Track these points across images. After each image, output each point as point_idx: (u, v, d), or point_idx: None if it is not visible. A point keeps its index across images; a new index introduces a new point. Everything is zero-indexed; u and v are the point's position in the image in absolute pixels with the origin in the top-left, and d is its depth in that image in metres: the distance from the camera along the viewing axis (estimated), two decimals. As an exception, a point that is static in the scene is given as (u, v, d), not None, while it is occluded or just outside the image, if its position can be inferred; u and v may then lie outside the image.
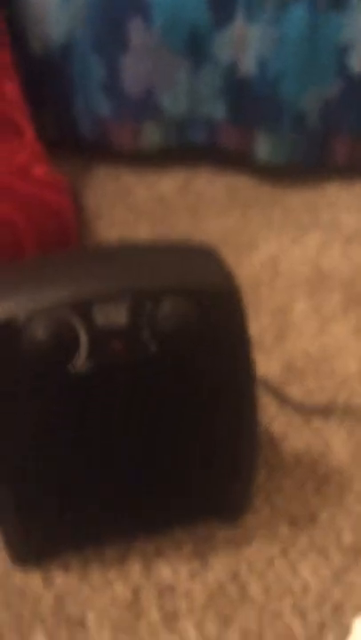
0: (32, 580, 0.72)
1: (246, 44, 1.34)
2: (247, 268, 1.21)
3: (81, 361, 0.63)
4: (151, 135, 1.49)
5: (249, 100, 1.40)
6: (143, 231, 1.30)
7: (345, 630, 0.69)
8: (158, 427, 0.69)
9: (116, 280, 0.64)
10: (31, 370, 0.62)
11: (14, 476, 0.68)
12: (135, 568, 0.74)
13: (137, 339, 0.63)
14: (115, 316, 0.63)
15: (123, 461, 0.70)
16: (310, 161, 1.42)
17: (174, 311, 0.63)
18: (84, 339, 0.63)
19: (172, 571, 0.74)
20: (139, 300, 0.63)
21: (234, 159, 1.48)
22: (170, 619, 0.69)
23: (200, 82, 1.41)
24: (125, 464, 0.70)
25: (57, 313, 0.62)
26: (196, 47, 1.36)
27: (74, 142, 1.54)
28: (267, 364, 1.01)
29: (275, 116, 1.39)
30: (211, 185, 1.46)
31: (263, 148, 1.43)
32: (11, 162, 1.14)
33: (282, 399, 0.94)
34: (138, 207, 1.40)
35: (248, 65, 1.35)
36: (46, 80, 1.44)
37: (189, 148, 1.51)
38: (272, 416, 0.92)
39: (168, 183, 1.48)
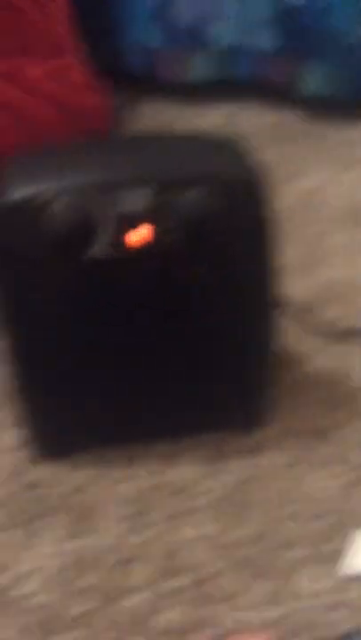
0: (43, 476, 0.75)
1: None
2: (283, 200, 1.20)
3: (103, 245, 0.63)
4: (199, 66, 1.48)
5: (298, 30, 1.37)
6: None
7: (346, 538, 0.70)
8: (178, 324, 0.70)
9: (142, 167, 0.65)
10: (52, 251, 0.63)
11: (36, 371, 0.71)
12: (144, 469, 0.76)
13: (163, 226, 0.64)
14: (140, 202, 0.63)
15: (140, 360, 0.71)
16: (358, 95, 1.39)
17: (200, 200, 0.63)
18: (106, 223, 0.63)
19: (182, 474, 0.75)
20: (165, 188, 0.63)
21: (280, 93, 1.46)
22: (172, 518, 0.71)
23: (249, 11, 1.38)
24: (142, 363, 0.72)
25: (80, 195, 0.62)
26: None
27: (120, 75, 1.53)
28: (295, 291, 1.01)
29: (323, 47, 1.36)
30: (254, 120, 1.45)
31: (310, 80, 1.40)
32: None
33: (307, 323, 0.94)
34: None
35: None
36: (96, 12, 1.44)
37: (236, 82, 1.49)
38: (296, 340, 0.93)
39: (211, 118, 1.46)
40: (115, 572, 0.66)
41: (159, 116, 1.47)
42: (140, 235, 0.64)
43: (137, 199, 0.64)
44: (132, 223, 0.64)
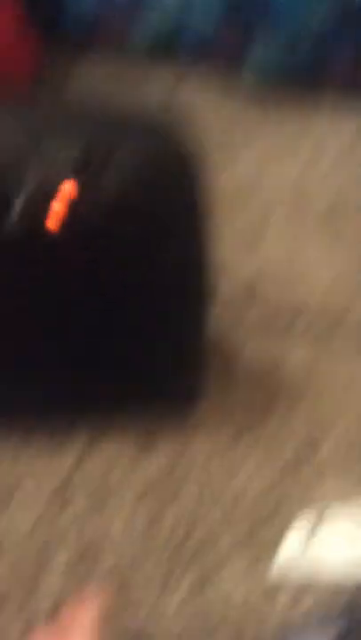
0: None
1: None
2: (222, 185, 1.16)
3: (19, 220, 0.58)
4: (140, 35, 1.42)
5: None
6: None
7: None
8: (103, 301, 0.65)
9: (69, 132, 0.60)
10: None
11: None
12: (68, 452, 0.70)
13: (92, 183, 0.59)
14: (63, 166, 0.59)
15: (64, 335, 0.66)
16: (304, 70, 1.35)
17: (123, 168, 0.59)
18: (23, 194, 0.58)
19: (107, 456, 0.71)
20: (86, 153, 0.59)
21: (225, 66, 1.41)
22: (97, 509, 0.67)
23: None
24: (68, 338, 0.66)
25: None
26: None
27: (61, 38, 1.45)
28: (230, 282, 0.97)
29: (271, 18, 1.32)
30: (197, 95, 1.40)
31: (257, 52, 1.35)
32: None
33: (242, 315, 0.90)
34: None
35: None
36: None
37: (179, 53, 1.44)
38: (229, 328, 0.89)
39: (151, 89, 1.41)
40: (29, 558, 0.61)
41: (95, 82, 1.41)
42: (58, 210, 0.59)
43: (60, 163, 0.59)
44: (53, 192, 0.59)
